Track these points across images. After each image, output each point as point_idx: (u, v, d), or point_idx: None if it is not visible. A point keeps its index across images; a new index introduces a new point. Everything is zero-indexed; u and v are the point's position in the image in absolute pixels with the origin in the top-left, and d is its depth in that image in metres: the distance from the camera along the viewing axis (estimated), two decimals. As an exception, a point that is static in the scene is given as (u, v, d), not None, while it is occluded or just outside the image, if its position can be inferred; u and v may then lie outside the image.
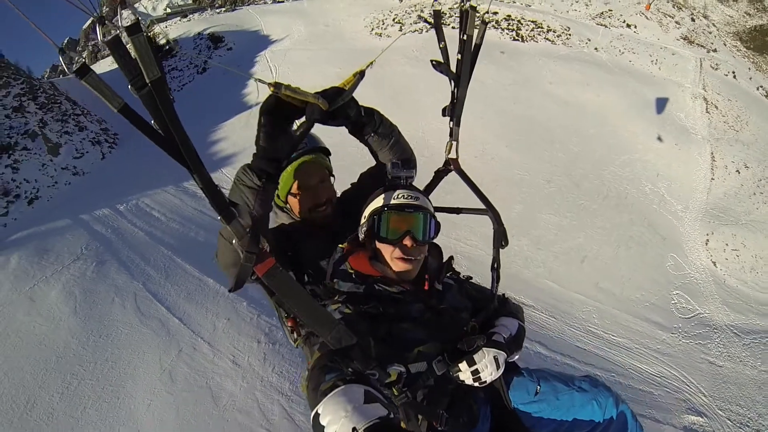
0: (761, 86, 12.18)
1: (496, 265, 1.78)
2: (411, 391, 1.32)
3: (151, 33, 21.74)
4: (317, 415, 1.02)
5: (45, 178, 10.11)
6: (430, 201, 1.65)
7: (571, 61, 12.83)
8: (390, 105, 9.22)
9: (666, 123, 10.52)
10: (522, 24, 15.22)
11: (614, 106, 10.94)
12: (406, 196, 1.55)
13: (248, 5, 26.77)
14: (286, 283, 1.19)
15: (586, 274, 6.33)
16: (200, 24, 23.66)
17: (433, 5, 1.79)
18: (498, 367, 1.41)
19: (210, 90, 15.65)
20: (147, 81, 0.91)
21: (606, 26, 14.83)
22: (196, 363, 3.70)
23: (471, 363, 1.38)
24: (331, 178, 1.98)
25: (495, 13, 15.50)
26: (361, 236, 1.62)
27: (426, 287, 1.58)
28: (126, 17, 0.84)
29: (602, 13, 15.48)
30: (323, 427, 0.99)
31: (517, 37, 14.62)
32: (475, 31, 1.69)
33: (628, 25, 14.64)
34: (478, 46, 1.72)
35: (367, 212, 1.61)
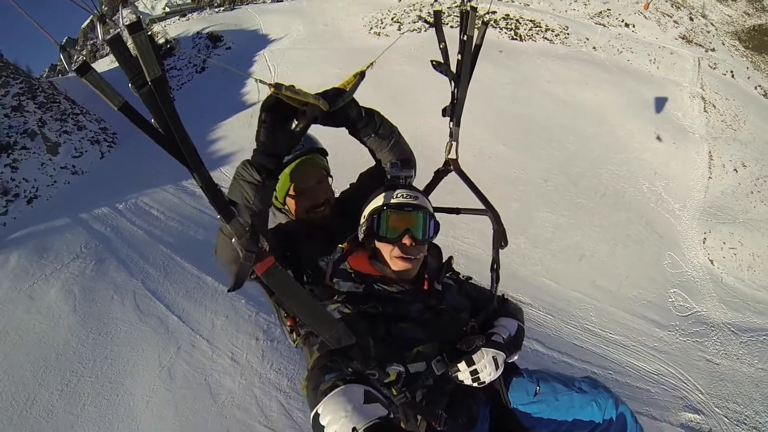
0: (759, 85, 12.20)
1: (495, 266, 1.78)
2: (410, 391, 1.32)
3: (151, 32, 21.71)
4: (317, 415, 1.02)
5: (44, 178, 10.12)
6: (429, 201, 1.66)
7: (569, 60, 12.84)
8: (389, 104, 9.23)
9: (664, 122, 10.54)
10: (520, 23, 15.22)
11: (612, 105, 10.95)
12: (405, 196, 1.55)
13: (247, 4, 26.72)
14: (286, 282, 1.19)
15: (583, 272, 6.35)
16: (199, 23, 23.62)
17: (432, 5, 1.79)
18: (497, 367, 1.40)
19: (209, 89, 15.63)
20: (148, 79, 0.91)
21: (604, 25, 14.84)
22: (195, 360, 3.73)
23: (470, 363, 1.38)
24: (329, 179, 1.98)
25: (493, 12, 15.50)
26: (361, 236, 1.62)
27: (425, 287, 1.57)
28: (126, 16, 0.84)
29: (601, 12, 15.49)
30: (323, 427, 0.99)
31: (515, 36, 14.62)
32: (476, 32, 1.70)
33: (627, 25, 14.65)
34: (478, 47, 1.73)
35: (366, 212, 1.61)
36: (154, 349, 3.91)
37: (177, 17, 28.64)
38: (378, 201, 1.57)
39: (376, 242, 1.55)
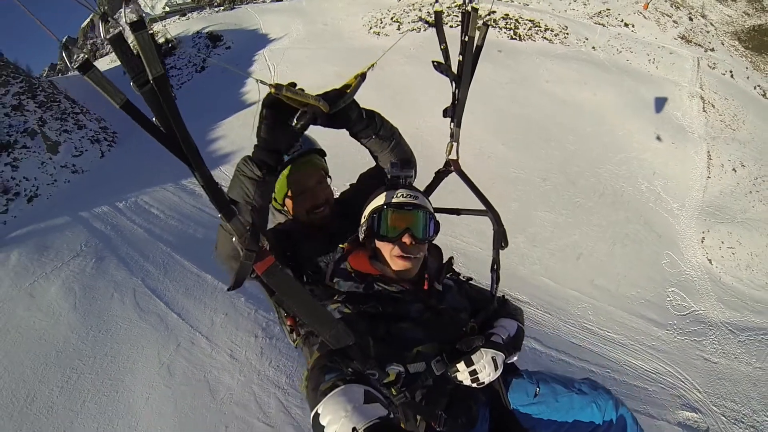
0: (758, 85, 12.21)
1: (495, 267, 1.77)
2: (409, 391, 1.32)
3: (152, 31, 21.61)
4: (317, 415, 1.02)
5: (44, 176, 10.12)
6: (429, 201, 1.66)
7: (568, 60, 12.85)
8: (388, 104, 9.26)
9: (663, 122, 10.55)
10: (520, 23, 15.22)
11: (611, 104, 10.96)
12: (405, 195, 1.56)
13: (247, 4, 26.69)
14: (286, 282, 1.19)
15: (581, 271, 6.36)
16: (199, 23, 23.59)
17: (433, 6, 1.79)
18: (496, 368, 1.40)
19: (208, 89, 15.63)
20: (150, 78, 0.91)
21: (604, 25, 14.84)
22: (194, 357, 3.74)
23: (469, 363, 1.38)
24: (328, 179, 1.98)
25: (493, 12, 15.50)
26: (361, 236, 1.62)
27: (426, 287, 1.58)
28: (127, 14, 0.85)
29: (600, 12, 15.50)
30: (323, 427, 0.99)
31: (514, 36, 14.62)
32: (477, 33, 1.70)
33: (626, 24, 14.66)
34: (479, 48, 1.73)
35: (367, 211, 1.62)
36: (154, 347, 3.93)
37: (177, 17, 28.61)
38: (378, 201, 1.58)
39: (376, 242, 1.56)
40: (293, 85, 1.33)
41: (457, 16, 15.39)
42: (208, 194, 1.09)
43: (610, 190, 8.41)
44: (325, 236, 1.84)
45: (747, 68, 12.80)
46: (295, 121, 1.36)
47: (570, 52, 13.53)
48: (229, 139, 10.53)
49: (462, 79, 1.74)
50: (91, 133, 12.40)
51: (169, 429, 3.17)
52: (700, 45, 13.56)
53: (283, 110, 1.35)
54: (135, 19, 0.85)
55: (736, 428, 4.00)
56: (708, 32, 14.16)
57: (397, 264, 1.52)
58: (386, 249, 1.53)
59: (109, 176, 10.11)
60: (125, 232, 6.27)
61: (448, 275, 1.71)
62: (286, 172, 1.82)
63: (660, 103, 11.13)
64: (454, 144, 1.84)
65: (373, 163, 1.95)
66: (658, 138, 9.99)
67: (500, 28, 14.96)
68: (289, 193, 1.87)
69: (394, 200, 1.55)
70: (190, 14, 28.56)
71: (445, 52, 1.77)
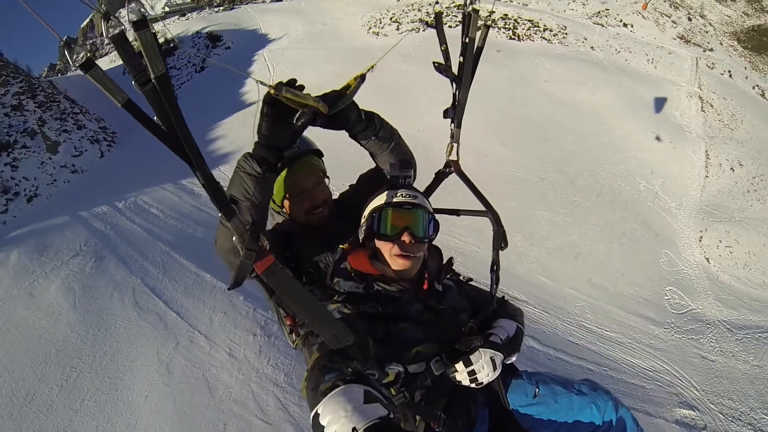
0: (757, 85, 12.23)
1: (495, 267, 1.76)
2: (409, 391, 1.32)
3: (153, 31, 21.60)
4: (317, 415, 1.01)
5: (44, 176, 10.14)
6: (429, 202, 1.66)
7: (567, 60, 12.88)
8: (386, 103, 9.26)
9: (661, 121, 10.58)
10: (519, 23, 15.24)
11: (610, 104, 10.99)
12: (405, 195, 1.56)
13: (246, 4, 26.69)
14: (285, 281, 1.17)
15: (579, 270, 6.39)
16: (198, 23, 23.60)
17: (433, 7, 1.79)
18: (495, 368, 1.39)
19: (208, 89, 15.64)
20: (152, 76, 0.91)
21: (602, 25, 14.86)
22: (193, 355, 3.76)
23: (467, 363, 1.37)
24: (326, 180, 1.98)
25: (492, 12, 15.51)
26: (361, 236, 1.62)
27: (425, 287, 1.57)
28: (130, 13, 0.85)
29: (599, 12, 15.51)
30: (323, 427, 0.98)
31: (513, 36, 14.64)
32: (477, 34, 1.70)
33: (625, 25, 14.68)
34: (480, 49, 1.72)
35: (366, 212, 1.62)
36: (153, 345, 3.94)
37: (176, 17, 28.62)
38: (378, 201, 1.59)
39: (376, 241, 1.55)
40: (294, 81, 1.33)
41: (456, 16, 15.43)
42: (209, 193, 1.08)
43: (608, 189, 8.44)
44: (324, 237, 1.83)
45: (746, 68, 12.81)
46: (294, 121, 1.37)
47: (569, 52, 13.56)
48: (229, 139, 10.55)
49: (462, 80, 1.73)
50: (91, 133, 12.42)
51: (168, 427, 3.19)
52: (698, 45, 13.58)
53: (283, 109, 1.35)
54: (137, 18, 0.86)
55: (733, 426, 4.01)
56: (707, 32, 14.17)
57: (396, 263, 1.52)
58: (386, 248, 1.53)
59: (109, 176, 10.12)
60: (125, 232, 6.29)
61: (448, 276, 1.71)
62: (283, 174, 1.82)
63: (658, 103, 11.15)
64: (455, 145, 1.84)
65: (372, 164, 1.96)
66: (657, 138, 10.02)
67: (499, 29, 14.98)
68: (288, 195, 1.87)
69: (393, 200, 1.55)
70: (189, 14, 28.58)
71: (446, 53, 1.77)
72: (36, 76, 18.71)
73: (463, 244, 6.17)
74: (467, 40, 1.67)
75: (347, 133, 1.70)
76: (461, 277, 1.84)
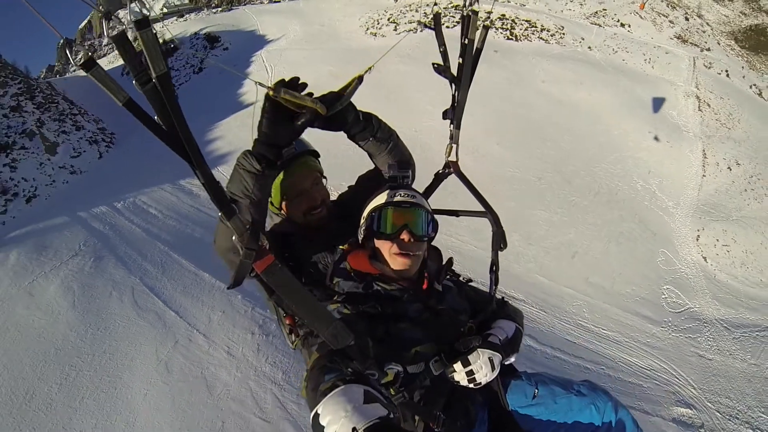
0: (754, 84, 12.24)
1: (494, 268, 1.76)
2: (408, 391, 1.32)
3: (154, 31, 21.57)
4: (317, 415, 1.01)
5: (43, 177, 10.13)
6: (428, 203, 1.67)
7: (564, 60, 12.90)
8: (383, 104, 9.29)
9: (658, 121, 10.60)
10: (516, 23, 15.26)
11: (607, 104, 11.01)
12: (403, 194, 1.57)
13: (244, 5, 26.73)
14: (285, 280, 1.17)
15: (576, 269, 6.41)
16: (197, 24, 23.60)
17: (432, 8, 1.78)
18: (493, 368, 1.38)
19: (206, 89, 15.64)
20: (153, 76, 0.91)
21: (600, 25, 14.88)
22: (192, 354, 3.78)
23: (466, 363, 1.37)
24: (323, 180, 1.99)
25: (489, 13, 15.48)
26: (361, 236, 1.62)
27: (425, 287, 1.57)
28: (128, 13, 0.86)
29: (596, 12, 15.53)
30: (323, 427, 0.98)
31: (510, 36, 14.67)
32: (477, 35, 1.70)
33: (622, 25, 14.70)
34: (479, 50, 1.72)
35: (366, 212, 1.63)
36: (152, 344, 3.96)
37: (175, 18, 28.62)
38: (377, 200, 1.60)
39: (375, 240, 1.56)
40: (297, 80, 1.34)
41: (454, 17, 15.44)
42: (209, 192, 1.09)
43: (606, 188, 8.46)
44: (323, 237, 1.83)
45: (743, 68, 12.83)
46: (294, 122, 1.38)
47: (566, 52, 13.58)
48: (227, 139, 10.55)
49: (462, 81, 1.74)
50: (89, 134, 12.41)
51: (167, 425, 3.20)
52: (696, 45, 13.60)
53: (283, 108, 1.36)
54: (139, 18, 0.86)
55: (730, 424, 4.02)
56: (704, 32, 14.19)
57: (396, 262, 1.52)
58: (385, 247, 1.53)
59: (107, 177, 10.12)
60: (123, 232, 6.31)
61: (448, 276, 1.71)
62: (281, 175, 1.81)
63: (656, 103, 11.17)
64: (454, 146, 1.85)
65: (371, 165, 1.96)
66: (654, 137, 10.04)
67: (497, 29, 14.99)
68: (286, 196, 1.87)
69: (393, 199, 1.56)
70: (187, 15, 28.61)
71: (444, 55, 1.77)
72: (34, 77, 18.71)
73: (461, 244, 6.19)
74: (466, 42, 1.68)
75: (345, 134, 1.70)
76: (461, 278, 1.85)
